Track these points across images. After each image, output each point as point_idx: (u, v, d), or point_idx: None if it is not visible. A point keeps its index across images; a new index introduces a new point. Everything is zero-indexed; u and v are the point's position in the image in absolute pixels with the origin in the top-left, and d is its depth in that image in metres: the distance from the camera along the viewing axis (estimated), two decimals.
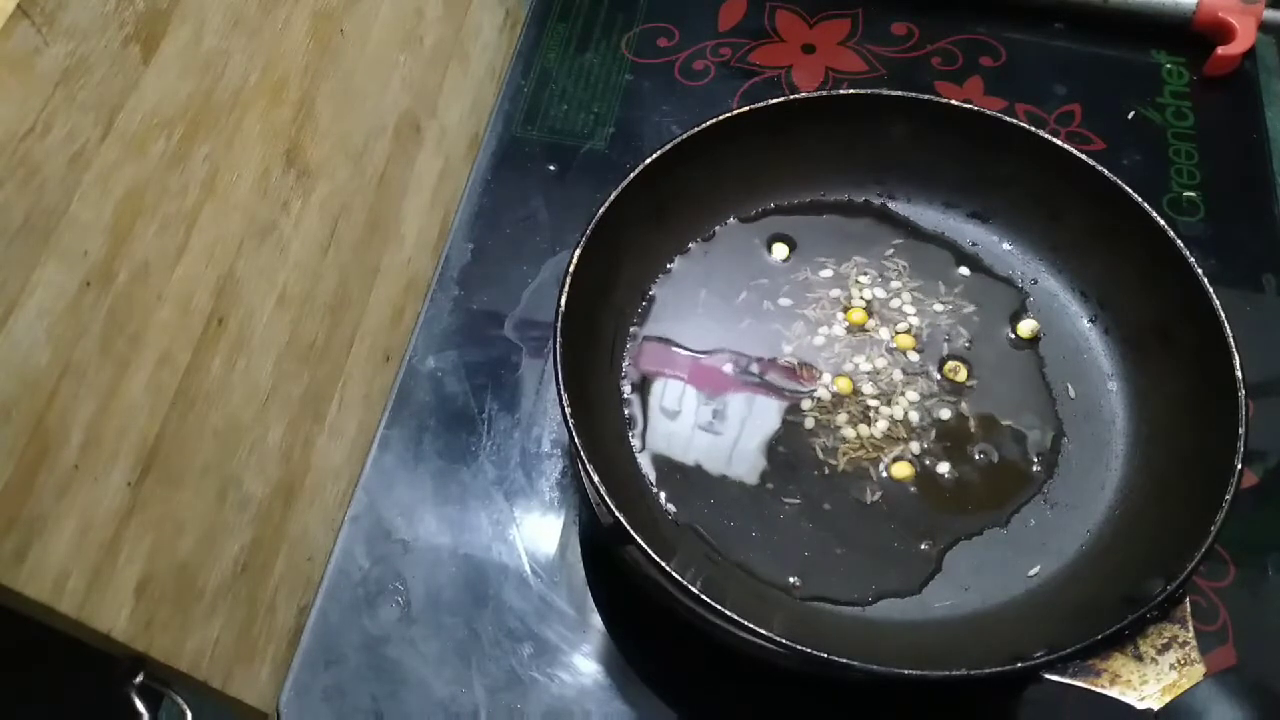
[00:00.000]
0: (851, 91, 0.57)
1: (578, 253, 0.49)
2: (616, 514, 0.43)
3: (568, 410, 0.45)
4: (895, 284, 0.56)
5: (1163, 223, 0.50)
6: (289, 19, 0.46)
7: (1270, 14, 0.68)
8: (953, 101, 0.55)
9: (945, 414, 0.52)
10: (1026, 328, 0.55)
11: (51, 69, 0.33)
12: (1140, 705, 0.40)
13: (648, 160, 0.52)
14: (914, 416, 0.52)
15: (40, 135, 0.33)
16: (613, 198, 0.51)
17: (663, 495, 0.50)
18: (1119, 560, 0.47)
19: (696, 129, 0.53)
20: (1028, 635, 0.44)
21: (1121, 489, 0.50)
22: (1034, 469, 0.51)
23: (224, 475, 0.44)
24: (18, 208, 0.32)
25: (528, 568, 0.53)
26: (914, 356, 0.54)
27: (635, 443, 0.52)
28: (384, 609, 0.52)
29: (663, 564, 0.42)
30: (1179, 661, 0.41)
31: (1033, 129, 0.54)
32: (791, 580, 0.48)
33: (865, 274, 0.57)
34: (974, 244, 0.57)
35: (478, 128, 0.68)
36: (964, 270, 0.57)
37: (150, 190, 0.38)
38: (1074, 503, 0.50)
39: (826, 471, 0.51)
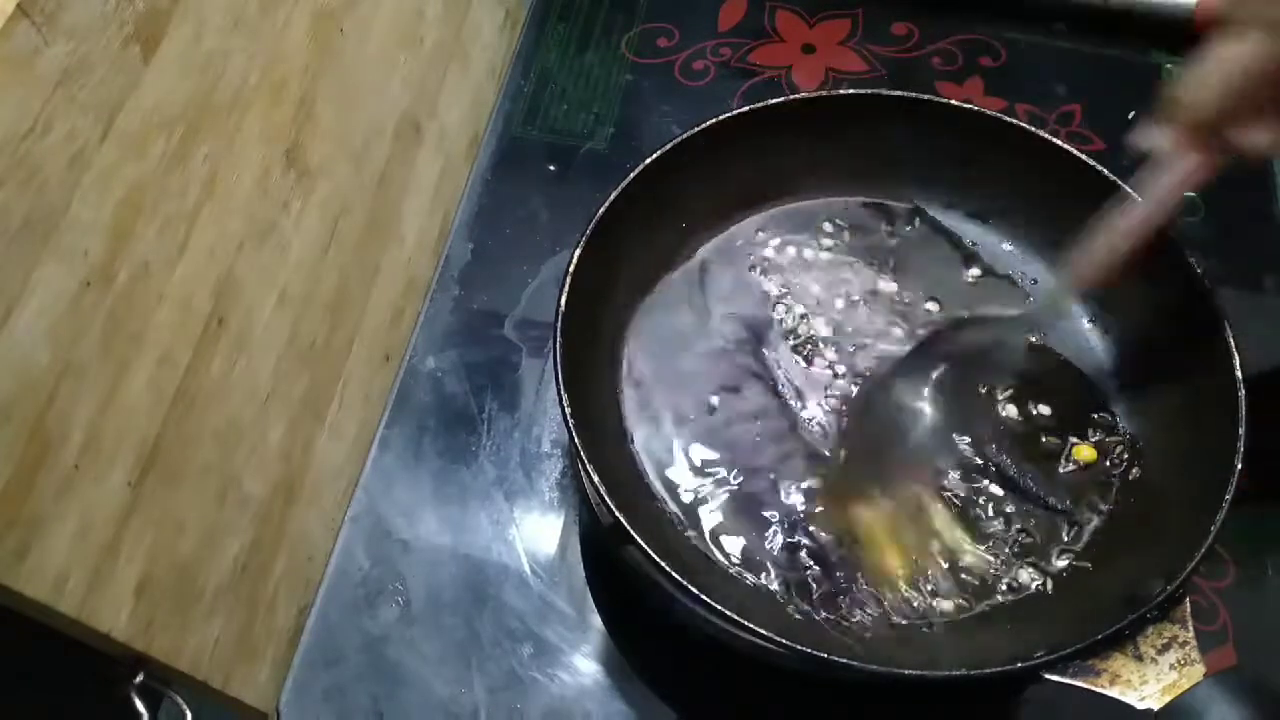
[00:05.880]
0: (851, 91, 0.57)
1: (578, 253, 0.49)
2: (616, 514, 0.43)
3: (568, 410, 0.45)
4: (895, 284, 0.56)
5: None
6: (289, 19, 0.46)
7: None
8: (952, 101, 0.55)
9: None
10: None
11: (51, 69, 0.33)
12: (1140, 705, 0.40)
13: (648, 160, 0.52)
14: None
15: (40, 135, 0.33)
16: (613, 198, 0.51)
17: (663, 495, 0.50)
18: (1119, 560, 0.47)
19: (696, 129, 0.53)
20: (1028, 635, 0.44)
21: (1122, 490, 0.50)
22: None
23: (224, 475, 0.44)
24: (18, 208, 0.32)
25: (528, 568, 0.53)
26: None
27: (635, 443, 0.52)
28: (384, 609, 0.52)
29: (663, 564, 0.42)
30: (1179, 661, 0.41)
31: (1033, 129, 0.54)
32: (792, 580, 0.48)
33: (865, 274, 0.57)
34: (974, 244, 0.57)
35: (478, 128, 0.68)
36: (965, 270, 0.57)
37: (150, 190, 0.38)
38: (1074, 503, 0.50)
39: (827, 474, 0.51)
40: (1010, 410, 0.52)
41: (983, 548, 0.49)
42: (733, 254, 0.57)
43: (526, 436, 0.57)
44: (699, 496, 0.50)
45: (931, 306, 0.56)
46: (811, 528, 0.49)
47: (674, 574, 0.42)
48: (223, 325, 0.43)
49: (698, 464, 0.51)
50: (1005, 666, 0.41)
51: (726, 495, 0.50)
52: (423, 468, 0.56)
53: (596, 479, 0.44)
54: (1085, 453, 0.51)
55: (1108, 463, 0.51)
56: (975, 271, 0.57)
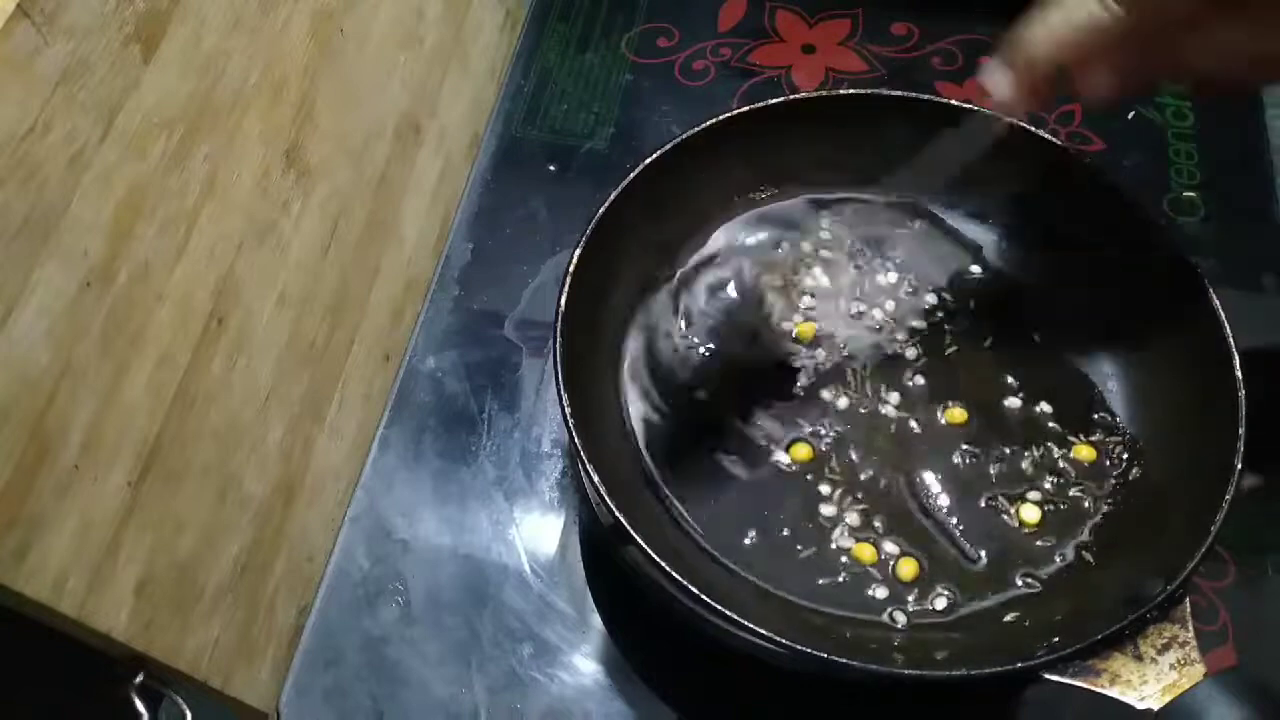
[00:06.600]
0: (852, 91, 0.57)
1: (578, 253, 0.49)
2: (616, 514, 0.43)
3: (568, 410, 0.45)
4: (895, 283, 0.56)
5: (1162, 223, 0.50)
6: (289, 19, 0.46)
7: None
8: (952, 101, 0.55)
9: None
10: None
11: (51, 69, 0.33)
12: (1140, 705, 0.40)
13: (648, 160, 0.52)
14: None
15: (40, 135, 0.33)
16: (613, 198, 0.51)
17: (663, 495, 0.50)
18: (1119, 560, 0.47)
19: (696, 129, 0.53)
20: (1028, 635, 0.44)
21: (1121, 489, 0.50)
22: (1034, 469, 0.51)
23: (224, 475, 0.44)
24: (18, 208, 0.32)
25: (528, 568, 0.53)
26: (912, 354, 0.54)
27: (635, 443, 0.51)
28: (384, 609, 0.52)
29: (663, 564, 0.42)
30: (1179, 661, 0.41)
31: (1033, 129, 0.54)
32: (792, 580, 0.48)
33: (865, 273, 0.57)
34: (974, 243, 0.57)
35: (478, 128, 0.68)
36: (965, 269, 0.57)
37: (150, 190, 0.38)
38: (1074, 503, 0.50)
39: (827, 472, 0.51)
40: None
41: (984, 546, 0.49)
42: (733, 253, 0.57)
43: (526, 436, 0.57)
44: (700, 495, 0.50)
45: (931, 305, 0.56)
46: (813, 524, 0.49)
47: (674, 574, 0.42)
48: (222, 325, 0.43)
49: (699, 463, 0.51)
50: (1005, 666, 0.41)
51: (728, 494, 0.50)
52: (423, 468, 0.56)
53: (596, 479, 0.44)
54: (1085, 453, 0.51)
55: (1108, 463, 0.51)
56: (976, 270, 0.57)
